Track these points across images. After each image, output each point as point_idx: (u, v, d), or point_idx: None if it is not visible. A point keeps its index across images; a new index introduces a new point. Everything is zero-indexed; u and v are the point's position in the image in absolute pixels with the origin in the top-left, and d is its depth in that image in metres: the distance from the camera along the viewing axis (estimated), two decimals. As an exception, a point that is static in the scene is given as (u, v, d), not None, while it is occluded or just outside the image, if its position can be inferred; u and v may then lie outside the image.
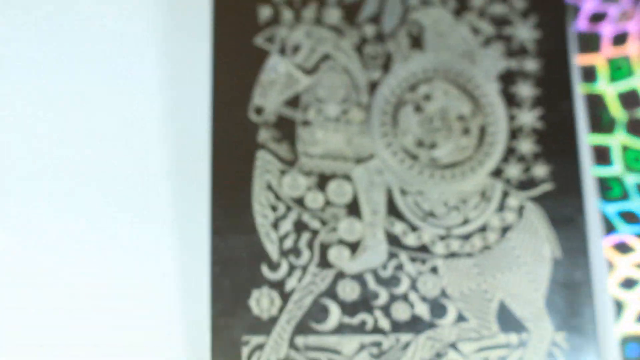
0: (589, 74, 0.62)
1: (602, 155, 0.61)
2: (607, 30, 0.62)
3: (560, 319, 0.57)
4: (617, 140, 0.61)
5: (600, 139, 0.61)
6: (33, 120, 0.58)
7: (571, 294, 0.57)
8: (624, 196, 0.60)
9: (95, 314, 0.55)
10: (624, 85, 0.62)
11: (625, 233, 0.59)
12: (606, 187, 0.60)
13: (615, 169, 0.60)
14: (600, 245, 0.58)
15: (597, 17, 0.63)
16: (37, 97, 0.58)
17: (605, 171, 0.60)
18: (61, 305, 0.55)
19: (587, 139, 0.60)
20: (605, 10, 0.63)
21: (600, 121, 0.61)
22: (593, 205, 0.59)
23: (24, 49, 0.59)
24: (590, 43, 0.63)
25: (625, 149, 0.61)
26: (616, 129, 0.61)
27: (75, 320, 0.55)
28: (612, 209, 0.60)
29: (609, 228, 0.59)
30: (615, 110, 0.62)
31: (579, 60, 0.62)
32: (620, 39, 0.63)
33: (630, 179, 0.60)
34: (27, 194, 0.57)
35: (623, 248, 0.59)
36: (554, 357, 0.56)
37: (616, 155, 0.61)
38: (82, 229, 0.56)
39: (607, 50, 0.63)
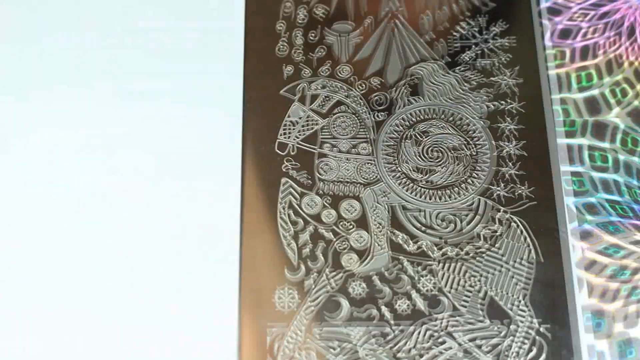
0: (562, 86, 0.73)
1: (573, 155, 0.71)
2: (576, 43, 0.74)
3: (544, 312, 0.65)
4: (584, 142, 0.71)
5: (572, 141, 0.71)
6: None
7: (552, 292, 0.66)
8: (590, 191, 0.70)
9: (136, 304, 0.65)
10: (589, 93, 0.73)
11: (589, 223, 0.68)
12: (576, 183, 0.70)
13: (583, 167, 0.70)
14: (573, 248, 0.67)
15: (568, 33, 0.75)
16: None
17: (575, 169, 0.70)
18: (98, 303, 0.65)
19: (561, 164, 0.70)
20: (575, 25, 0.75)
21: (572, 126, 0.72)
22: (565, 217, 0.68)
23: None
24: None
25: (590, 149, 0.71)
26: (584, 133, 0.72)
27: (109, 303, 0.65)
28: (580, 202, 0.69)
29: (579, 220, 0.68)
30: (582, 115, 0.72)
31: (554, 98, 0.73)
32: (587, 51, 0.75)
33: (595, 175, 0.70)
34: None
35: (587, 235, 0.68)
36: (539, 345, 0.64)
37: (584, 155, 0.71)
38: (127, 239, 0.67)
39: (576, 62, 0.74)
